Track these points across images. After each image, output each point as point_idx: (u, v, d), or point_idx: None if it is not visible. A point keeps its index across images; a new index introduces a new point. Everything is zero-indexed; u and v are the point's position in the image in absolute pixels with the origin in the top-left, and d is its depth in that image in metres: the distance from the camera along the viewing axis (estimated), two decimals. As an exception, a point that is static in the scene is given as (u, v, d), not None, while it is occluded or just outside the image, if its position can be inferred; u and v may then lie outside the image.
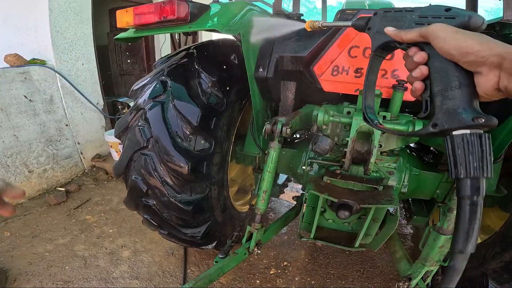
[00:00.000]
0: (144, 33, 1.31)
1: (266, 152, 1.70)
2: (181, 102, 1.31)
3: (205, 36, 6.07)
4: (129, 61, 4.74)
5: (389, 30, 0.61)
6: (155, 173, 1.30)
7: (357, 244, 1.32)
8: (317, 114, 1.28)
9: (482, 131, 0.47)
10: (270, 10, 1.79)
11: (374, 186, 1.31)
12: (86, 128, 3.16)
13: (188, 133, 1.29)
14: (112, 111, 3.73)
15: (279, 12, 1.62)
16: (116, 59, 4.79)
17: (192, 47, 1.55)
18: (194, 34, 1.60)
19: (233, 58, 1.57)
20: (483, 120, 0.46)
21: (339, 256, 2.11)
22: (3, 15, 2.82)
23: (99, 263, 1.95)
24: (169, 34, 5.12)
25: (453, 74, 0.50)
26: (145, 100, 1.38)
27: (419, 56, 0.55)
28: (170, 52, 1.82)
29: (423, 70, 0.55)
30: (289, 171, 1.72)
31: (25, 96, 2.58)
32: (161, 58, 1.68)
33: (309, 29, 0.92)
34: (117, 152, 3.22)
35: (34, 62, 2.74)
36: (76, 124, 3.04)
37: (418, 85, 0.55)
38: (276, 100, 1.58)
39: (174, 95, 1.32)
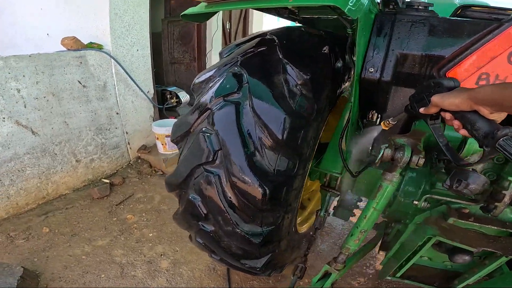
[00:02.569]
0: (220, 7, 0.99)
1: (355, 173, 1.34)
2: (263, 104, 0.96)
3: (256, 26, 5.73)
4: (180, 49, 4.58)
5: (422, 110, 0.82)
6: (221, 197, 0.98)
7: (460, 286, 1.20)
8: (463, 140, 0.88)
9: (508, 135, 0.63)
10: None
11: None
12: (135, 117, 3.02)
13: (270, 148, 0.95)
14: (160, 101, 3.59)
15: None
16: (168, 47, 4.66)
17: (269, 33, 1.21)
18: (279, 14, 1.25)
19: (324, 51, 1.20)
20: (501, 130, 0.64)
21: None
22: (64, -4, 2.74)
23: (136, 273, 1.77)
24: (221, 22, 4.87)
25: (469, 117, 0.70)
26: (212, 97, 1.06)
27: (447, 115, 0.76)
28: (221, 43, 1.48)
29: (456, 122, 0.74)
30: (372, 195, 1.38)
31: (79, 82, 2.46)
32: (228, 45, 1.36)
33: (386, 128, 0.98)
34: (162, 144, 3.04)
35: (91, 46, 2.61)
36: (126, 113, 2.90)
37: (462, 131, 0.73)
38: (380, 110, 1.18)
39: (252, 94, 0.99)
